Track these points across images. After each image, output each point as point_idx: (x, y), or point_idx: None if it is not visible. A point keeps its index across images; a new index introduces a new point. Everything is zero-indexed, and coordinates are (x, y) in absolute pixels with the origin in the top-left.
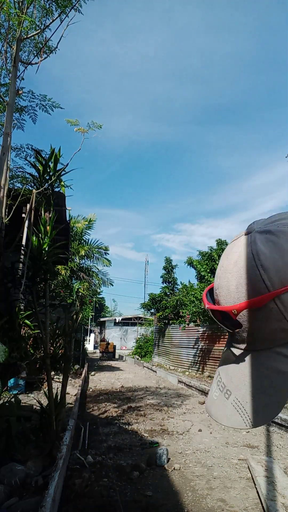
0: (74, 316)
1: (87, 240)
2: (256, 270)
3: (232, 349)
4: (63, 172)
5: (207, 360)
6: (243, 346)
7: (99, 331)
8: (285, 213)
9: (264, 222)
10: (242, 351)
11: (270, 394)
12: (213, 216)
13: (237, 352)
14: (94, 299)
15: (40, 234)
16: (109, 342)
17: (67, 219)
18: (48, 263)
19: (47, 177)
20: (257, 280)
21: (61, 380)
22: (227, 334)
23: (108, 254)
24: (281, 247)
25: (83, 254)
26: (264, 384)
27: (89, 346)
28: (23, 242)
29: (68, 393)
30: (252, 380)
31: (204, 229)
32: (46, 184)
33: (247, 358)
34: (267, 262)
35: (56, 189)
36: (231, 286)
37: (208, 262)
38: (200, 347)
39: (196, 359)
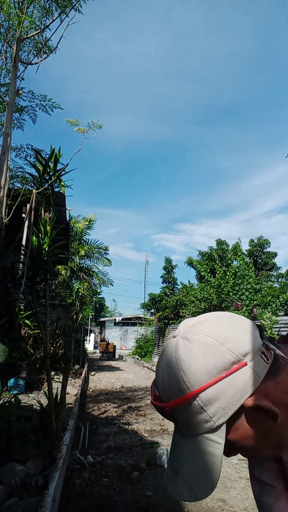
0: (74, 316)
1: (87, 240)
2: (179, 374)
3: (176, 434)
4: (63, 172)
5: None
6: (181, 432)
7: (99, 331)
8: (204, 316)
9: (188, 324)
10: (181, 436)
11: (206, 473)
12: (213, 216)
13: (178, 437)
14: (94, 299)
15: (40, 234)
16: (109, 342)
17: (67, 219)
18: (48, 263)
19: (47, 177)
20: (180, 382)
21: (61, 380)
22: None
23: (108, 254)
24: (195, 354)
25: (83, 254)
26: (200, 465)
27: (89, 346)
28: (23, 242)
29: (68, 393)
30: (192, 462)
31: (204, 229)
32: (46, 184)
33: (186, 443)
34: (185, 367)
35: (56, 189)
36: (165, 384)
37: (208, 262)
38: None
39: None
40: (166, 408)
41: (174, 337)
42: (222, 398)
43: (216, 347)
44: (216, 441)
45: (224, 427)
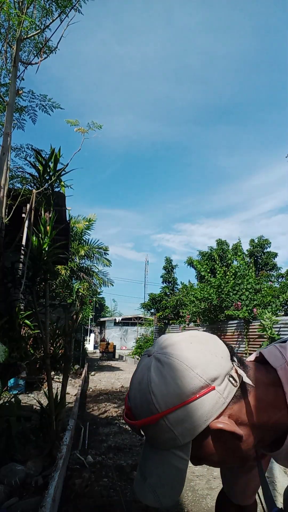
0: (74, 316)
1: (87, 240)
2: (149, 395)
3: (146, 445)
4: (63, 172)
5: None
6: (150, 444)
7: (99, 331)
8: (179, 336)
9: (163, 344)
10: (151, 448)
11: (171, 484)
12: (213, 216)
13: (148, 448)
14: (94, 299)
15: (40, 234)
16: (109, 342)
17: (67, 219)
18: (48, 263)
19: (47, 177)
20: (150, 403)
21: (61, 380)
22: (226, 334)
23: (108, 254)
24: (165, 377)
25: (83, 254)
26: (166, 476)
27: (89, 346)
28: (23, 242)
29: (68, 393)
30: (159, 472)
31: (204, 229)
32: (46, 184)
33: (154, 455)
34: (156, 389)
35: (56, 189)
36: (136, 401)
37: (208, 262)
38: None
39: None
40: (135, 425)
41: (148, 356)
42: (189, 419)
43: (186, 372)
44: (182, 457)
45: (189, 445)
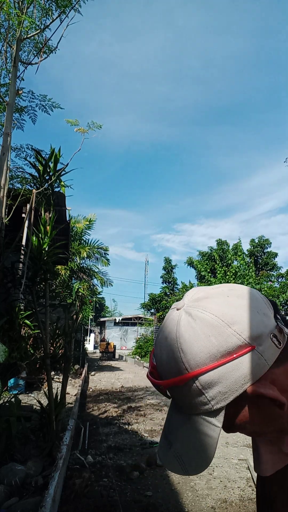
0: (74, 316)
1: (87, 240)
2: (178, 352)
3: (172, 407)
4: (63, 172)
5: None
6: (177, 408)
7: (99, 331)
8: (213, 289)
9: (195, 296)
10: (177, 411)
11: (199, 452)
12: (213, 216)
13: (174, 411)
14: (94, 299)
15: (40, 234)
16: (109, 342)
17: (67, 219)
18: (48, 263)
19: (47, 177)
20: (178, 361)
21: (61, 380)
22: None
23: (108, 254)
24: (197, 334)
25: (85, 255)
26: (194, 444)
27: (89, 346)
28: (23, 242)
29: (68, 393)
30: (186, 439)
31: (204, 229)
32: (46, 184)
33: (181, 419)
34: (186, 346)
35: (56, 189)
36: (163, 358)
37: (208, 262)
38: None
39: None
40: (161, 386)
41: (177, 310)
42: (223, 382)
43: (221, 328)
44: (213, 424)
45: (223, 410)
